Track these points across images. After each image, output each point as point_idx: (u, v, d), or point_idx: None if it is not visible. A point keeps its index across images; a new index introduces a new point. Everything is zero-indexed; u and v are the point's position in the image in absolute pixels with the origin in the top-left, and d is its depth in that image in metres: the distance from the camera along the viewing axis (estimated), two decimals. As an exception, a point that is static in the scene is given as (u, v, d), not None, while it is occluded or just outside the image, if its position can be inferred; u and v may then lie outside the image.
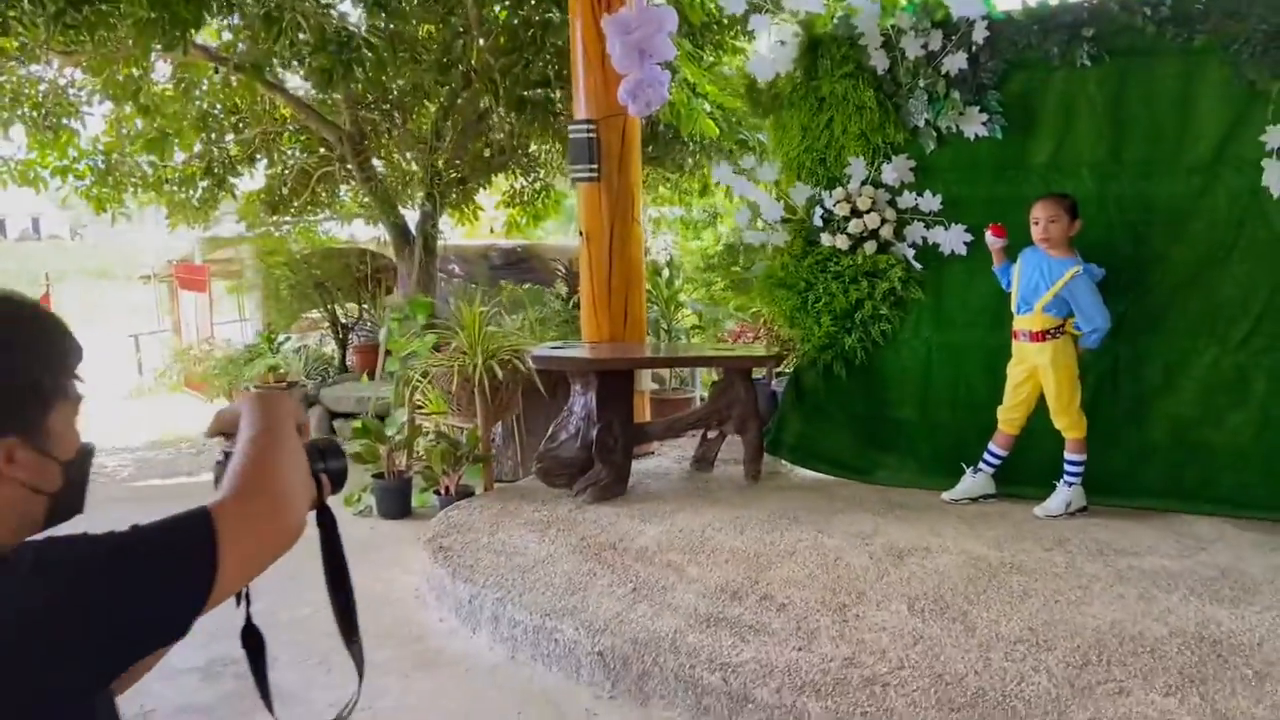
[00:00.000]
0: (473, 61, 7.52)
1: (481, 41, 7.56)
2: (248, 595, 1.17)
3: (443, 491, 4.98)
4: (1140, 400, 4.34)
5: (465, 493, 4.97)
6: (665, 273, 7.37)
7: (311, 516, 1.18)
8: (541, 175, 10.49)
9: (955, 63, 4.43)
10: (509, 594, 3.47)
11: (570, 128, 5.18)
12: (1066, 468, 4.22)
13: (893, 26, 4.59)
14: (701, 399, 6.57)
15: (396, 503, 5.20)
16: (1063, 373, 4.12)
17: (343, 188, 9.92)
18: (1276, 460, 4.12)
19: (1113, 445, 4.32)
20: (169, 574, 0.95)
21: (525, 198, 10.52)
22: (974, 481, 4.44)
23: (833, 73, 4.70)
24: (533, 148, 9.80)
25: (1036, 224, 4.09)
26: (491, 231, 13.43)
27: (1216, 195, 4.16)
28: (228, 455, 1.12)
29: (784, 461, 5.08)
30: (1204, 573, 3.48)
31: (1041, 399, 4.24)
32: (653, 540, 3.97)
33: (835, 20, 4.74)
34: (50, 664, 0.88)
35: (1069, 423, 4.16)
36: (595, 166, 5.06)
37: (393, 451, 5.18)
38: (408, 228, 8.82)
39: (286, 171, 9.45)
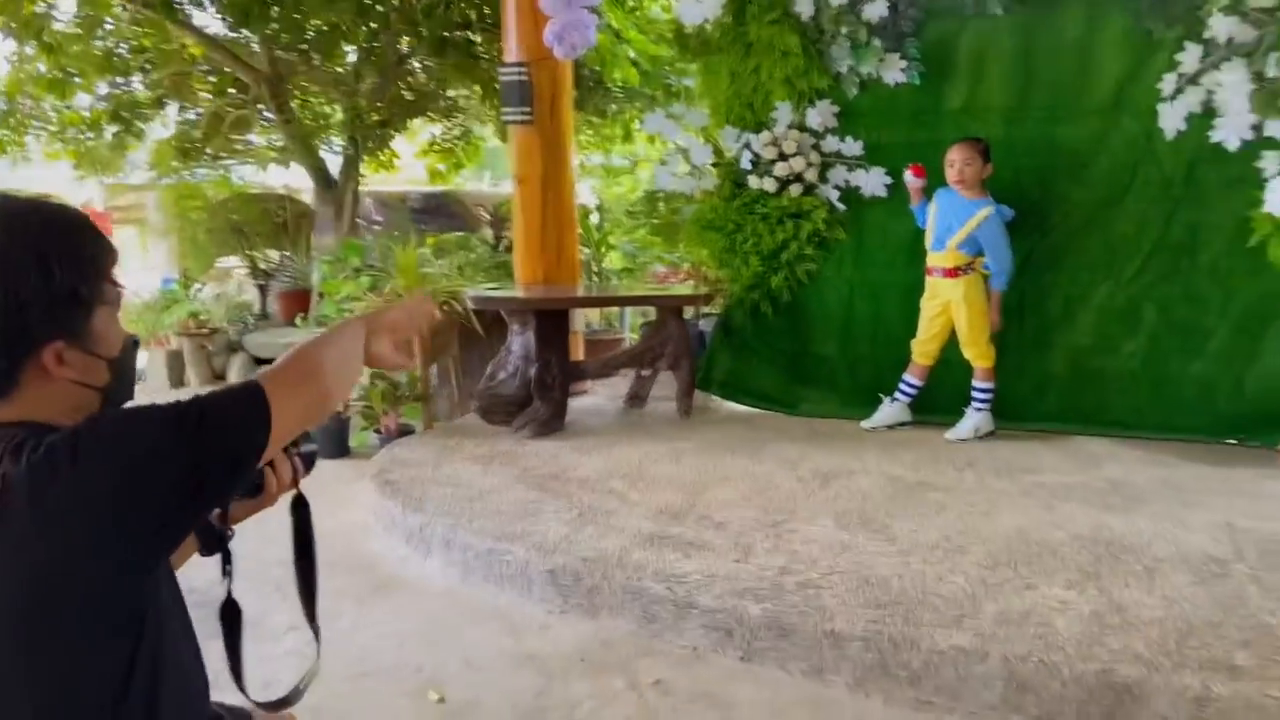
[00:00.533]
0: (394, 1, 7.43)
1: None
2: (231, 571, 1.30)
3: (382, 431, 5.08)
4: (1043, 332, 4.66)
5: (405, 431, 5.08)
6: (595, 216, 7.48)
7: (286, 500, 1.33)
8: (461, 120, 10.42)
9: (876, 10, 4.62)
10: (459, 521, 3.62)
11: (501, 70, 5.24)
12: (975, 395, 4.53)
13: (818, -27, 4.76)
14: (630, 340, 6.75)
15: (335, 442, 5.27)
16: (973, 307, 4.41)
17: (256, 133, 9.71)
18: (1162, 385, 4.50)
19: (1018, 374, 4.65)
20: (227, 428, 1.05)
21: (445, 144, 10.44)
22: (891, 410, 4.73)
23: (760, 18, 4.86)
24: (452, 92, 9.73)
25: (951, 166, 4.34)
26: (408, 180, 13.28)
27: (1114, 140, 4.47)
28: None
29: (714, 397, 5.31)
30: (1098, 486, 3.82)
31: (953, 332, 4.53)
32: (593, 471, 4.15)
33: (763, -35, 4.88)
34: (132, 514, 0.98)
35: (978, 353, 4.47)
36: (528, 109, 5.14)
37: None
38: (329, 171, 8.71)
39: (199, 115, 9.20)
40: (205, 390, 1.10)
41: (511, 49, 5.17)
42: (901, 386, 4.72)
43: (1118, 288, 4.54)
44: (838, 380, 5.10)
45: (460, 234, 8.51)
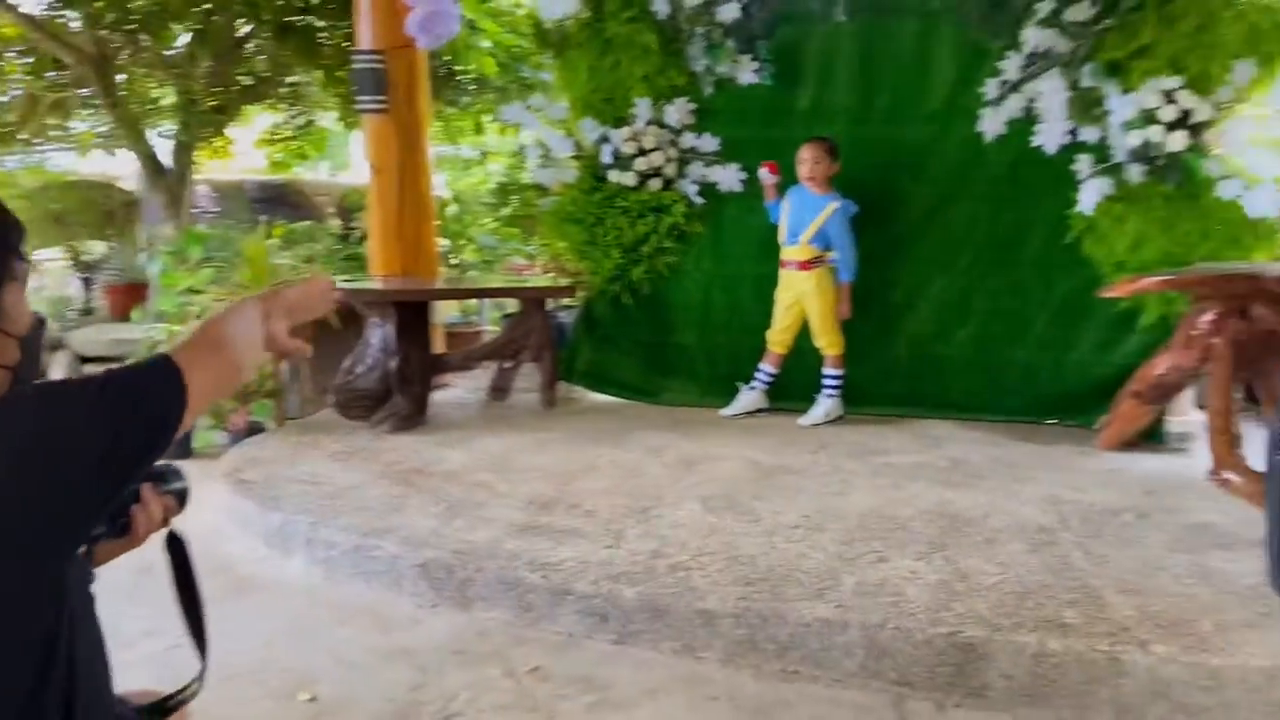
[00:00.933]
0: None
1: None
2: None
3: (230, 429, 4.89)
4: (886, 321, 4.94)
5: (255, 429, 4.91)
6: (453, 207, 7.40)
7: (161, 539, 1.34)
8: (302, 109, 10.06)
9: (730, 12, 4.78)
10: (321, 519, 3.54)
11: (355, 58, 5.12)
12: (826, 381, 4.77)
13: (674, -26, 4.88)
14: (489, 332, 6.73)
15: (177, 444, 5.03)
16: (824, 298, 4.64)
17: (77, 118, 9.08)
18: (993, 370, 4.85)
19: (864, 361, 4.92)
20: (141, 397, 1.07)
21: (286, 132, 10.08)
22: (749, 397, 4.92)
23: (618, 16, 4.95)
24: (293, 78, 9.38)
25: (803, 164, 4.54)
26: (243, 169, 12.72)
27: (948, 141, 4.78)
28: None
29: (577, 387, 5.37)
30: (940, 465, 4.10)
31: (806, 321, 4.75)
32: (459, 464, 4.14)
33: (620, -36, 4.97)
34: (52, 486, 0.98)
35: (829, 341, 4.70)
36: (383, 98, 5.05)
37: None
38: (159, 158, 8.26)
39: (11, 98, 8.53)
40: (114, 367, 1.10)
41: (365, 36, 5.07)
42: (758, 374, 4.91)
43: (952, 279, 4.86)
44: (697, 369, 5.26)
45: (307, 224, 8.24)
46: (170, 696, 1.36)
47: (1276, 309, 3.61)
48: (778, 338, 4.82)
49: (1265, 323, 3.64)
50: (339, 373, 4.78)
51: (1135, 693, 2.46)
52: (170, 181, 8.06)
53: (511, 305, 7.38)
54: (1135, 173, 4.37)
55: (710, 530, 3.34)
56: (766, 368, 4.89)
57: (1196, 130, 4.24)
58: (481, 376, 5.58)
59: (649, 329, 5.29)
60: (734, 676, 2.73)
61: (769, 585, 2.91)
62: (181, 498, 1.37)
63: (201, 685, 1.42)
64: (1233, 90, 4.23)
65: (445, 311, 6.70)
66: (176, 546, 1.39)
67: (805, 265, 4.63)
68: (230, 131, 9.30)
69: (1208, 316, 3.76)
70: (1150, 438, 4.34)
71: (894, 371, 4.93)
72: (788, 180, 4.69)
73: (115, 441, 1.02)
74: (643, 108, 4.99)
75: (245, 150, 11.42)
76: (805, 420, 4.75)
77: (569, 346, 5.36)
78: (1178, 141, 4.20)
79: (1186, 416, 4.46)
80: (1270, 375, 3.68)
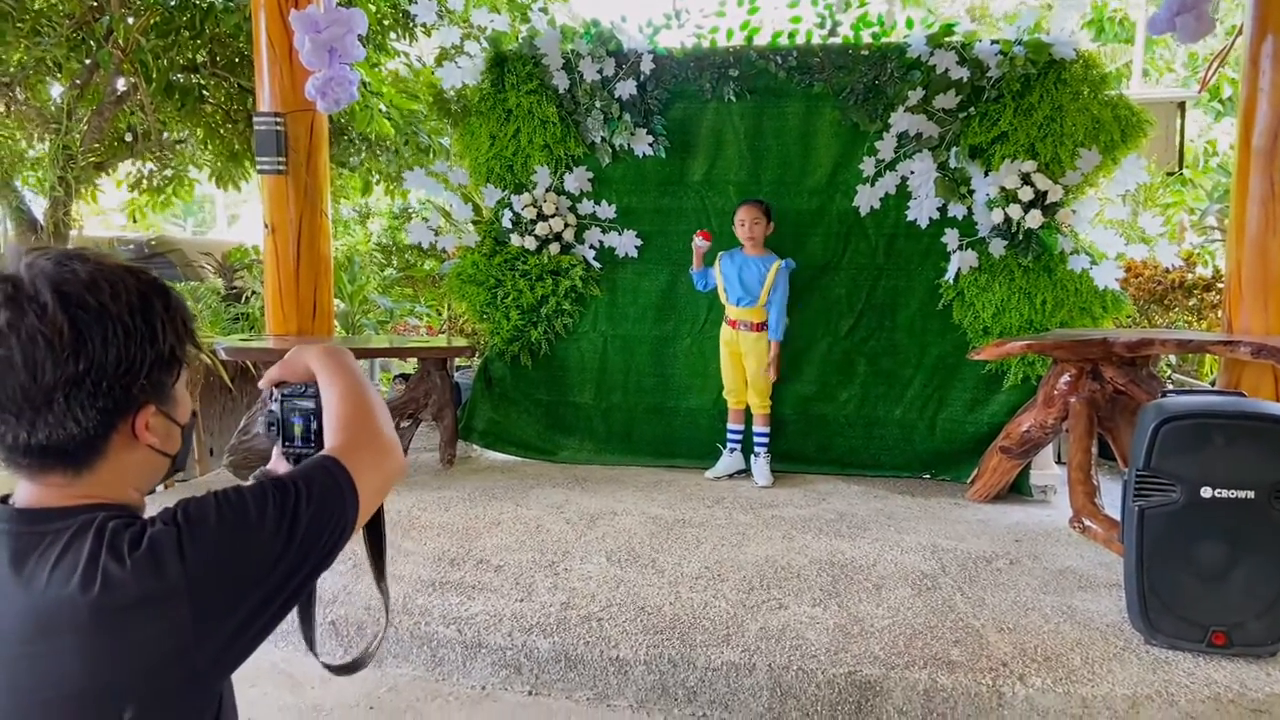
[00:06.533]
0: (120, 40, 7.01)
1: (130, 20, 7.07)
2: None
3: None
4: (775, 383, 5.20)
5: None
6: (349, 267, 7.37)
7: None
8: (175, 164, 9.84)
9: (626, 89, 5.03)
10: (223, 581, 3.49)
11: (256, 119, 5.13)
12: (758, 439, 4.94)
13: (572, 51, 5.10)
14: (381, 391, 6.69)
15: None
16: (764, 358, 4.84)
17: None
18: (871, 427, 5.15)
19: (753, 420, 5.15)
20: (325, 514, 1.05)
21: (154, 183, 9.81)
22: (730, 460, 5.03)
23: (519, 88, 5.13)
24: (169, 135, 9.20)
25: (742, 225, 4.77)
26: (111, 225, 12.29)
27: (830, 214, 5.11)
28: (284, 402, 1.26)
29: (475, 446, 5.42)
30: (828, 517, 4.32)
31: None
32: (361, 522, 4.13)
33: (520, 39, 5.17)
34: (230, 616, 0.97)
35: (763, 401, 4.90)
36: (283, 159, 5.07)
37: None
38: (33, 214, 7.96)
39: None
40: (284, 470, 1.10)
41: (265, 99, 5.10)
42: (729, 436, 5.05)
43: (835, 342, 5.15)
44: (594, 428, 5.38)
45: (190, 284, 8.05)
46: (364, 653, 1.35)
47: (1124, 370, 4.00)
48: (735, 395, 4.98)
49: (1115, 383, 4.02)
50: (235, 433, 4.71)
51: (1016, 722, 2.69)
52: (42, 239, 7.76)
53: (400, 365, 7.39)
54: (998, 246, 4.78)
55: (617, 582, 3.44)
56: (733, 426, 5.04)
57: (1050, 209, 4.68)
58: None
59: (547, 389, 5.40)
60: (646, 722, 2.84)
61: (677, 633, 3.03)
62: None
63: (387, 631, 1.42)
64: (1080, 174, 4.69)
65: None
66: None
67: (758, 327, 4.81)
68: (100, 183, 9.00)
69: (1065, 377, 4.13)
70: (1016, 490, 4.68)
71: (782, 430, 5.16)
72: (678, 247, 4.93)
73: (291, 577, 1.02)
74: (542, 175, 5.17)
75: (114, 206, 11.04)
76: (759, 481, 4.86)
77: (467, 406, 5.42)
78: (1034, 219, 4.62)
79: (1048, 470, 4.83)
80: (1122, 430, 4.04)
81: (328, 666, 1.31)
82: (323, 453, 1.12)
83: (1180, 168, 7.23)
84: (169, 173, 9.73)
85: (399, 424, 5.23)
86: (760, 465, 4.92)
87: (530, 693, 2.97)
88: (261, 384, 1.35)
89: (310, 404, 1.29)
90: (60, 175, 7.80)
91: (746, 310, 4.84)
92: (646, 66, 5.01)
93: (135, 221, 10.54)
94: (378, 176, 8.95)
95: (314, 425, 1.31)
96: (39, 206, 8.05)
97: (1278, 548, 2.78)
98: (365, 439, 1.15)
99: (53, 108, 8.08)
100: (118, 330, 0.99)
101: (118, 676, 0.95)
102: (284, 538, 1.01)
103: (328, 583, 3.42)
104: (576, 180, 5.17)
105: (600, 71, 5.07)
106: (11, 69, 7.72)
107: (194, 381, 4.98)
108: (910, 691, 2.74)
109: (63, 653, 0.94)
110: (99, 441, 1.02)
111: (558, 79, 5.12)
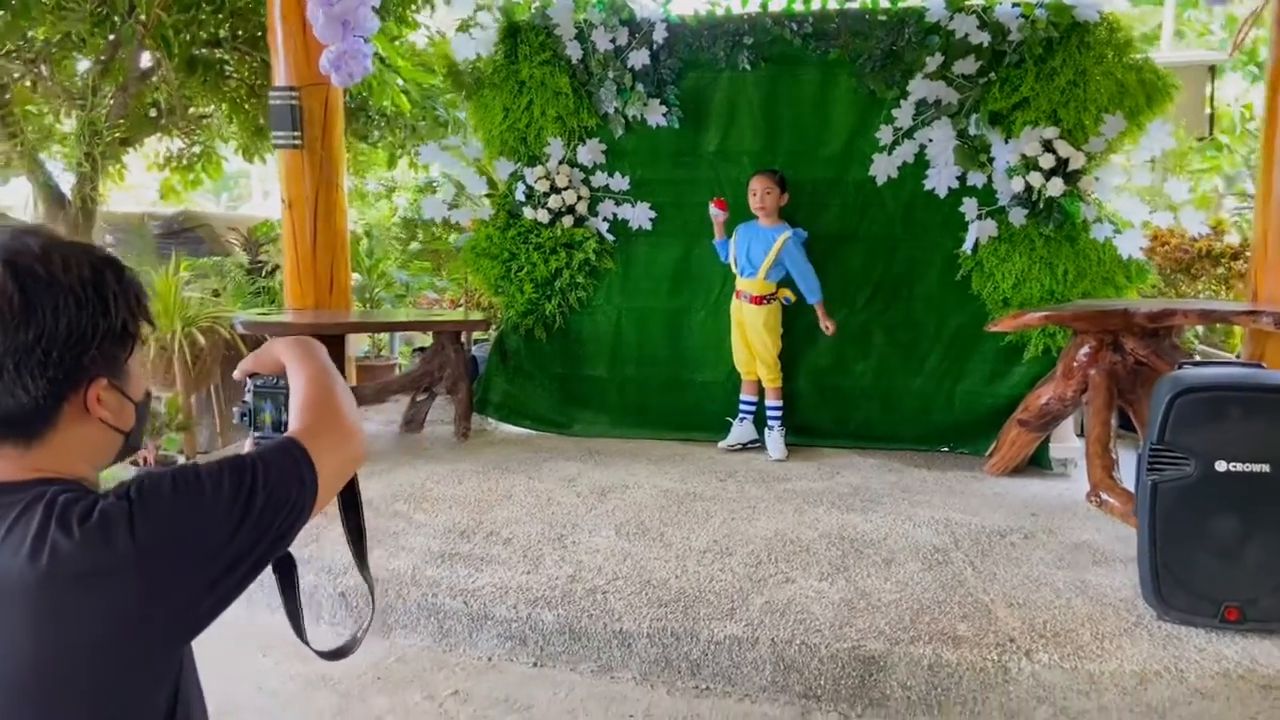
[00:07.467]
0: (143, 16, 7.03)
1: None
2: None
3: (141, 462, 4.81)
4: (789, 354, 5.13)
5: (166, 462, 4.83)
6: (365, 242, 7.40)
7: None
8: (202, 139, 9.91)
9: (639, 58, 4.97)
10: (236, 553, 3.53)
11: (271, 94, 5.14)
12: (770, 414, 4.90)
13: (585, 20, 5.05)
14: (400, 365, 6.74)
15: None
16: (772, 333, 4.80)
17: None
18: (888, 400, 5.09)
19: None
20: (282, 493, 1.05)
21: (184, 161, 9.89)
22: (739, 430, 5.01)
23: (531, 59, 5.09)
24: (194, 110, 9.25)
25: (754, 195, 4.72)
26: (141, 200, 12.39)
27: (846, 184, 5.03)
28: (259, 393, 1.27)
29: (490, 420, 5.43)
30: (841, 490, 4.29)
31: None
32: (376, 494, 4.16)
33: (533, 9, 5.12)
34: (184, 590, 0.97)
35: (772, 375, 4.86)
36: (298, 134, 5.08)
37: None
38: (60, 189, 8.05)
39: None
40: (245, 449, 1.10)
41: (281, 73, 5.10)
42: (741, 407, 5.03)
43: (852, 314, 5.09)
44: (608, 401, 5.37)
45: (215, 259, 8.12)
46: (351, 639, 1.36)
47: (1146, 342, 3.92)
48: (745, 367, 4.96)
49: (1136, 355, 3.94)
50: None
51: (1022, 698, 2.66)
52: (71, 214, 7.85)
53: (422, 339, 7.42)
54: (1018, 215, 4.69)
55: (624, 555, 3.44)
56: (746, 397, 5.02)
57: (1072, 177, 4.58)
58: (394, 409, 5.60)
59: (561, 362, 5.39)
60: (649, 694, 2.84)
61: (681, 606, 3.03)
62: None
63: (373, 615, 1.44)
64: (1104, 141, 4.58)
65: (356, 345, 6.70)
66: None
67: (759, 299, 4.78)
68: (128, 160, 9.09)
69: (1085, 349, 4.05)
70: (1035, 463, 4.62)
71: (796, 403, 5.12)
72: (695, 217, 4.88)
73: (249, 553, 1.02)
74: (556, 147, 5.13)
75: (144, 182, 11.15)
76: (774, 454, 4.82)
77: (482, 379, 5.43)
78: (1056, 187, 4.52)
79: (1068, 443, 4.76)
80: (1143, 403, 3.97)
81: (316, 652, 1.33)
82: (284, 435, 1.13)
83: (1210, 133, 7.05)
84: (197, 149, 9.81)
85: (414, 397, 5.27)
86: (774, 438, 4.88)
87: (535, 664, 2.99)
88: (236, 374, 1.36)
89: (280, 394, 1.32)
90: (87, 151, 7.88)
91: (748, 281, 4.80)
92: (660, 35, 4.95)
93: (164, 199, 10.67)
94: (400, 150, 8.97)
95: (284, 415, 1.33)
96: (66, 182, 8.14)
97: (1293, 522, 2.72)
98: (327, 422, 1.16)
99: (79, 84, 8.15)
100: (69, 300, 1.00)
101: (66, 648, 0.95)
102: (238, 515, 1.01)
103: (337, 554, 3.45)
104: (590, 152, 5.13)
105: (613, 41, 5.02)
106: (37, 45, 7.78)
107: (214, 355, 5.04)
108: (914, 666, 2.73)
109: (12, 624, 0.95)
110: (49, 412, 1.02)
111: (570, 49, 5.07)
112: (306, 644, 1.31)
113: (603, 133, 5.18)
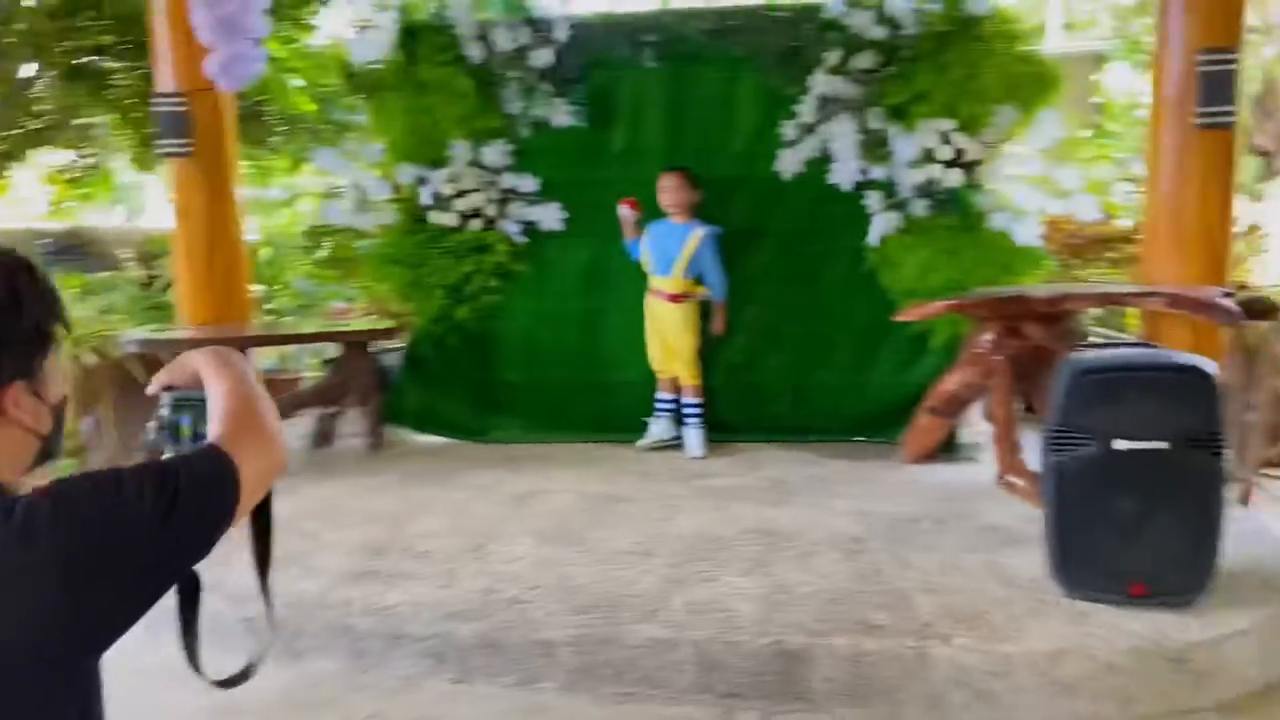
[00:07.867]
0: (21, 26, 6.70)
1: (33, 2, 6.76)
2: None
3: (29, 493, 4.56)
4: (705, 351, 5.14)
5: (57, 492, 4.60)
6: (265, 252, 7.17)
7: None
8: (92, 151, 9.50)
9: (543, 58, 4.92)
10: (136, 582, 3.37)
11: (157, 100, 4.92)
12: (687, 411, 4.89)
13: (486, 20, 4.97)
14: (307, 378, 6.54)
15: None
16: (690, 331, 4.80)
17: None
18: (804, 392, 5.13)
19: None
20: (204, 501, 1.05)
21: (73, 174, 9.46)
22: (659, 428, 4.97)
23: (431, 59, 4.99)
24: (82, 120, 8.85)
25: (663, 193, 4.70)
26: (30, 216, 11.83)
27: (753, 179, 5.06)
28: (177, 405, 1.23)
29: (402, 430, 5.31)
30: (760, 485, 4.31)
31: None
32: (284, 513, 3.90)
33: (431, 10, 5.02)
34: (102, 591, 0.96)
35: (689, 373, 4.85)
36: (186, 141, 4.87)
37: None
38: (-62, 206, 7.63)
39: None
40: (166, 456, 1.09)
41: (166, 79, 4.88)
42: (658, 406, 5.00)
43: (763, 309, 5.12)
44: (524, 405, 5.30)
45: (107, 274, 7.78)
46: (248, 664, 1.35)
47: (1044, 327, 4.02)
48: (662, 365, 4.93)
49: (1036, 339, 4.04)
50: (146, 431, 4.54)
51: (940, 683, 2.70)
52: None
53: (332, 350, 7.22)
54: (920, 207, 4.77)
55: (544, 563, 3.39)
56: (662, 395, 4.99)
57: (970, 168, 4.68)
58: (303, 423, 5.43)
59: (474, 367, 5.29)
60: (573, 703, 2.80)
61: (602, 611, 2.99)
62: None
63: (271, 642, 1.42)
64: (998, 131, 4.69)
65: (261, 359, 6.48)
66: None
67: (675, 298, 4.76)
68: (17, 175, 8.68)
69: (988, 336, 4.14)
70: (946, 449, 4.71)
71: (713, 398, 5.12)
72: (606, 217, 4.85)
73: (171, 557, 1.02)
74: (460, 149, 5.04)
75: (30, 196, 10.65)
76: (694, 452, 4.82)
77: (394, 389, 5.30)
78: (954, 178, 4.62)
79: (977, 428, 4.87)
80: (1044, 386, 4.07)
81: (210, 682, 1.31)
82: (206, 441, 1.12)
83: (1100, 122, 7.31)
84: (89, 161, 9.40)
85: (324, 411, 5.11)
86: (694, 436, 4.88)
87: (455, 680, 2.92)
88: (150, 389, 1.33)
89: (199, 405, 1.28)
90: (-36, 166, 7.49)
91: (663, 280, 4.79)
92: (563, 34, 4.90)
93: (53, 215, 10.19)
94: (303, 156, 8.72)
95: (203, 427, 1.29)
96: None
97: (1192, 497, 2.81)
98: (248, 428, 1.15)
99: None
100: None
101: None
102: (159, 518, 0.99)
103: (242, 578, 3.30)
104: (496, 153, 5.05)
105: (515, 40, 4.95)
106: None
107: (104, 376, 4.81)
108: (835, 658, 2.74)
109: None
110: None
111: (472, 49, 4.98)
112: (197, 671, 1.29)
113: (508, 133, 5.11)
